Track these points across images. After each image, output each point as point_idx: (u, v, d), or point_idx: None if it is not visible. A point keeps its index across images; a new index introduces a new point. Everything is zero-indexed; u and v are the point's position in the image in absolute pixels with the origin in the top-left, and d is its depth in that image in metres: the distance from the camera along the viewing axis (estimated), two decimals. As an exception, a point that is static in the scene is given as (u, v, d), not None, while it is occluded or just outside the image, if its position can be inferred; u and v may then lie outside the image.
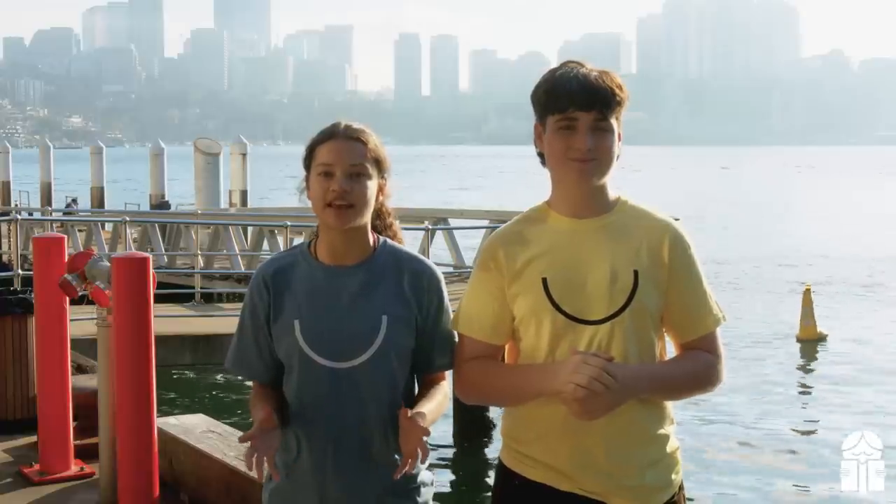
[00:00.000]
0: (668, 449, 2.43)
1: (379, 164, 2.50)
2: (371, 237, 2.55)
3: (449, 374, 2.62)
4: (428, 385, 2.59)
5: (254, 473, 2.35)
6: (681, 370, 2.40)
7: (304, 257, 2.55)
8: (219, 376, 14.01)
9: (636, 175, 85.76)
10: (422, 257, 2.63)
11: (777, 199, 63.21)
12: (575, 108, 2.31)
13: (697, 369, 2.41)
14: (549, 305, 2.36)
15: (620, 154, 2.41)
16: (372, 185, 2.47)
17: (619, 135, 2.38)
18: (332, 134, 2.48)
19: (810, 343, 16.26)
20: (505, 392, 2.44)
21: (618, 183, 2.46)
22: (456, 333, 2.53)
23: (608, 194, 2.43)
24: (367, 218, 2.50)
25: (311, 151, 2.50)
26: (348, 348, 2.46)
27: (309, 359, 2.47)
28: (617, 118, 2.36)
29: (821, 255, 30.47)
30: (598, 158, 2.34)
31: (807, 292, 16.48)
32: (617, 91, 2.33)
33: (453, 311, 2.56)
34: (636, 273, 2.35)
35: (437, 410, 2.52)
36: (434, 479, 2.65)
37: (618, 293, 2.34)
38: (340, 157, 2.44)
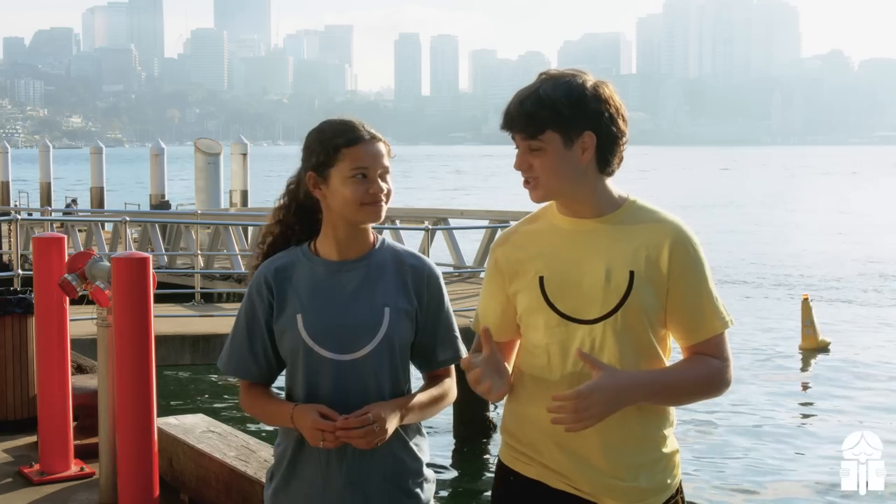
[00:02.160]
0: (665, 451, 2.42)
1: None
2: (371, 234, 2.58)
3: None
4: (432, 380, 2.63)
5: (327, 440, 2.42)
6: (679, 377, 2.37)
7: (304, 255, 2.59)
8: (219, 376, 14.02)
9: (644, 174, 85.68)
10: (421, 255, 2.67)
11: (779, 200, 63.17)
12: (508, 128, 2.37)
13: (699, 375, 2.37)
14: (544, 304, 2.37)
15: (615, 167, 2.38)
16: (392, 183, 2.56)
17: (587, 145, 2.33)
18: (359, 137, 2.51)
19: (813, 352, 16.15)
20: None
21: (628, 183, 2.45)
22: (457, 328, 2.62)
23: (611, 194, 2.42)
24: None
25: (336, 151, 2.50)
26: (351, 340, 2.49)
27: (312, 352, 2.49)
28: (567, 133, 2.31)
29: (821, 258, 30.42)
30: (538, 178, 2.34)
31: (804, 302, 16.33)
32: (544, 111, 2.30)
33: (459, 310, 2.61)
34: (632, 273, 2.34)
35: (427, 402, 2.56)
36: (435, 477, 2.66)
37: (612, 293, 2.33)
38: (376, 160, 2.50)
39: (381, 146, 2.52)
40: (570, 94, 2.31)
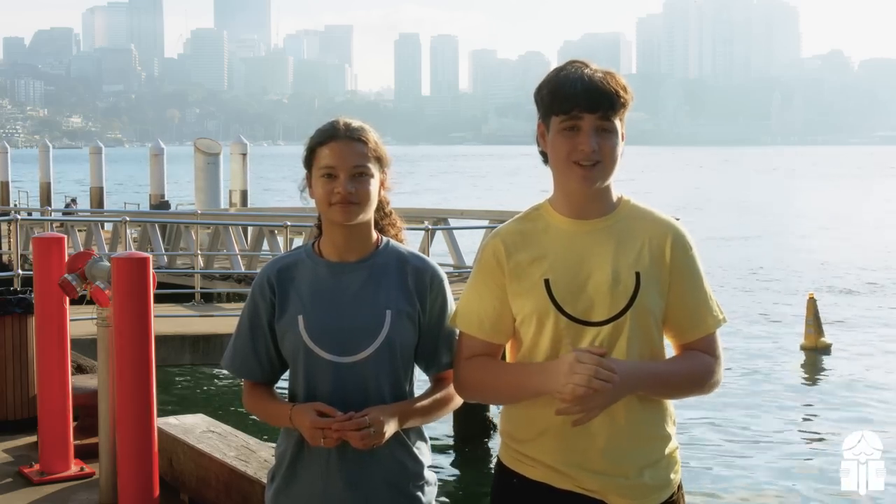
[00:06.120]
0: (668, 449, 2.44)
1: (380, 160, 2.53)
2: (374, 235, 2.56)
3: None
4: (437, 384, 2.61)
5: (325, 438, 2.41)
6: (678, 368, 2.40)
7: (308, 255, 2.58)
8: (218, 376, 14.02)
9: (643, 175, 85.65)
10: (425, 256, 2.65)
11: (780, 201, 63.15)
12: (579, 109, 2.30)
13: (695, 369, 2.40)
14: (552, 307, 2.35)
15: (623, 153, 2.41)
16: (374, 183, 2.50)
17: (623, 135, 2.37)
18: (332, 135, 2.49)
19: (814, 351, 16.10)
20: (503, 391, 2.44)
21: (626, 184, 2.45)
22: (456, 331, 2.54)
23: (612, 195, 2.43)
24: (371, 214, 2.53)
25: (312, 152, 2.51)
26: (352, 343, 2.48)
27: (313, 353, 2.48)
28: (621, 119, 2.35)
29: (825, 260, 30.35)
30: (602, 161, 2.32)
31: (810, 301, 16.30)
32: (621, 92, 2.32)
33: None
34: (638, 275, 2.35)
35: (429, 407, 2.55)
36: (437, 480, 2.65)
37: (620, 295, 2.34)
38: (343, 160, 2.46)
39: (358, 145, 2.47)
40: (627, 84, 2.36)
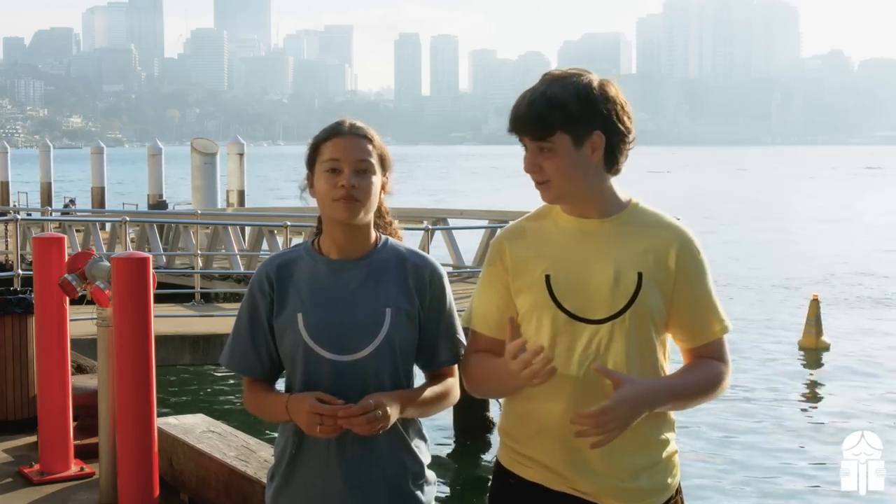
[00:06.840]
0: (666, 453, 2.44)
1: (383, 161, 2.53)
2: (373, 234, 2.57)
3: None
4: (434, 379, 2.60)
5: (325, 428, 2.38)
6: (692, 381, 2.40)
7: (307, 252, 2.57)
8: (219, 376, 14.02)
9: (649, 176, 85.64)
10: (424, 253, 2.64)
11: (781, 202, 63.15)
12: (516, 131, 2.36)
13: (708, 380, 2.41)
14: (551, 302, 2.36)
15: (621, 166, 2.38)
16: (377, 182, 2.50)
17: (596, 145, 2.33)
18: (337, 131, 2.50)
19: (812, 351, 16.10)
20: (500, 385, 2.45)
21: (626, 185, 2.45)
22: (460, 328, 2.57)
23: (617, 196, 2.43)
24: (372, 214, 2.52)
25: (316, 148, 2.51)
26: (352, 341, 2.47)
27: (312, 352, 2.47)
28: (577, 133, 2.31)
29: (825, 261, 30.34)
30: (551, 180, 2.35)
31: (814, 302, 16.31)
32: (555, 112, 2.30)
33: (461, 308, 2.58)
34: (640, 275, 2.35)
35: (429, 398, 2.54)
36: (436, 479, 2.65)
37: (620, 294, 2.34)
38: (348, 153, 2.46)
39: (362, 142, 2.48)
40: (578, 94, 2.32)
